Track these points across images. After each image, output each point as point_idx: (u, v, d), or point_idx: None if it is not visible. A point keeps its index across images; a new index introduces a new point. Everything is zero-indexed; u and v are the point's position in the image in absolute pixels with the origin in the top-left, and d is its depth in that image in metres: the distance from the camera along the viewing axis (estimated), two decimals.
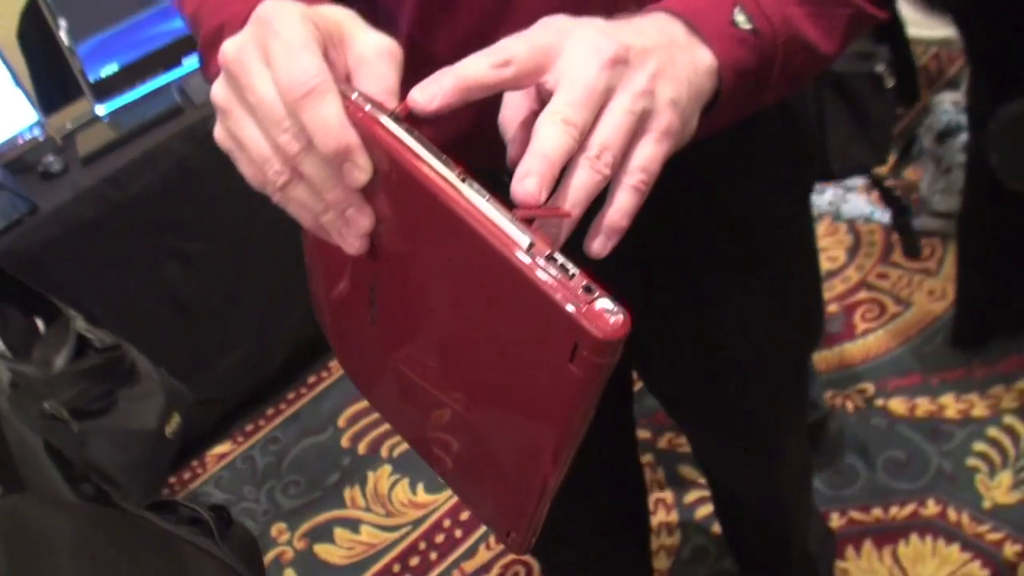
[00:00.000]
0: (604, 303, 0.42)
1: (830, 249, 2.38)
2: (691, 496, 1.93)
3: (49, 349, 1.51)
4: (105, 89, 2.22)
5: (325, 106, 0.46)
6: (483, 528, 2.01)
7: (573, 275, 0.43)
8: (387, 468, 2.23)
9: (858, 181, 2.52)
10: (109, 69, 2.20)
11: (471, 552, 1.98)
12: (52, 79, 2.44)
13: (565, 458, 0.51)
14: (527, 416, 0.50)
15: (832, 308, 2.22)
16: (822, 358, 2.11)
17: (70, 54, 2.14)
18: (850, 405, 2.00)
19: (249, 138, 0.50)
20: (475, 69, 0.48)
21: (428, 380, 0.58)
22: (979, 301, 1.93)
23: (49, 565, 0.74)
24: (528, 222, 0.45)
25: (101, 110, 2.22)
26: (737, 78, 0.56)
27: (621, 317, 0.42)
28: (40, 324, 1.59)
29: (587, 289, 0.42)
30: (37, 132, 2.17)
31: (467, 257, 0.46)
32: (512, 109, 0.53)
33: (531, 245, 0.43)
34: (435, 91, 0.48)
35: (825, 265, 2.33)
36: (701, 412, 1.10)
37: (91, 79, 2.18)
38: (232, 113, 0.51)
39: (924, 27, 2.29)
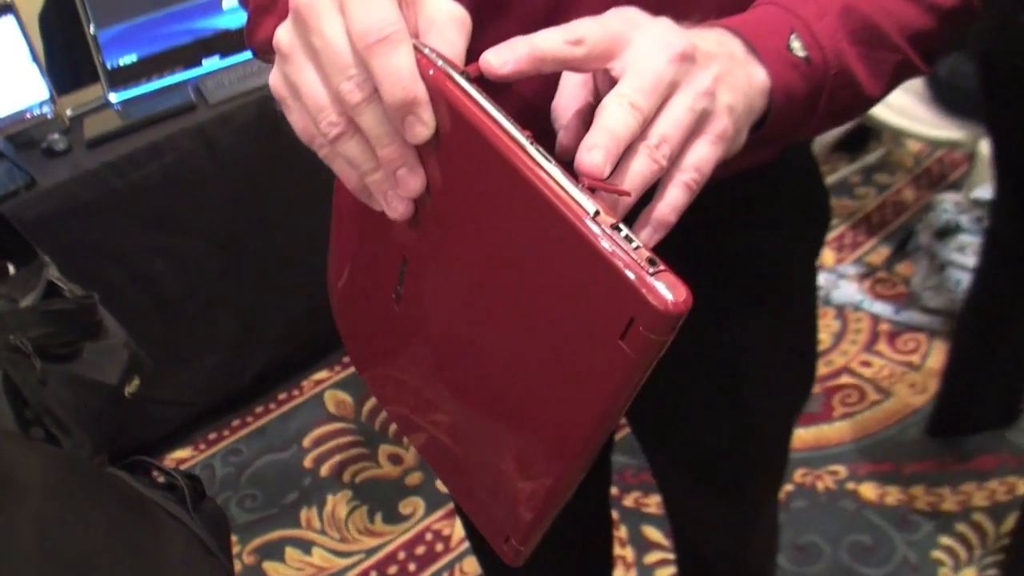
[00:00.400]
0: (668, 277, 0.41)
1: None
2: (652, 557, 1.90)
3: (17, 289, 1.47)
4: (121, 78, 2.22)
5: (398, 55, 0.45)
6: (438, 564, 1.97)
7: (637, 247, 0.41)
8: (347, 493, 2.19)
9: (851, 269, 2.54)
10: (128, 59, 2.20)
11: None
12: (67, 64, 2.45)
13: (591, 452, 0.48)
14: (562, 401, 0.47)
15: (814, 389, 2.21)
16: (798, 436, 2.10)
17: (91, 39, 2.14)
18: (820, 485, 1.98)
19: (307, 84, 0.49)
20: (549, 41, 0.48)
21: (452, 362, 0.56)
22: (962, 396, 1.94)
23: (14, 501, 0.71)
24: (591, 192, 0.44)
25: (114, 97, 2.22)
26: (787, 101, 0.57)
27: (684, 293, 0.40)
28: (11, 267, 1.55)
29: (651, 262, 0.41)
30: (46, 110, 2.16)
31: (526, 223, 0.45)
32: (567, 97, 0.53)
33: (597, 213, 0.42)
34: (508, 56, 0.48)
35: None
36: (691, 459, 1.09)
37: (108, 66, 2.18)
38: (293, 58, 0.49)
39: (932, 127, 2.34)
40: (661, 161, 0.48)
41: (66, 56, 2.42)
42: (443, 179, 0.49)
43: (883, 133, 2.96)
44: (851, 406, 2.15)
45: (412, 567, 1.98)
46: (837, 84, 0.59)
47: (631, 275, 0.40)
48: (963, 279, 2.12)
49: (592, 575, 1.32)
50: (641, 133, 0.48)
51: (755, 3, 0.61)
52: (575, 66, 0.50)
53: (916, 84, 2.38)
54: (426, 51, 0.47)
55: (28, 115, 2.14)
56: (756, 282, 0.90)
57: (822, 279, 2.52)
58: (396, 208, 0.51)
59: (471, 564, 1.95)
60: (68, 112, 2.25)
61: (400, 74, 0.45)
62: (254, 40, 0.77)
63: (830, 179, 2.90)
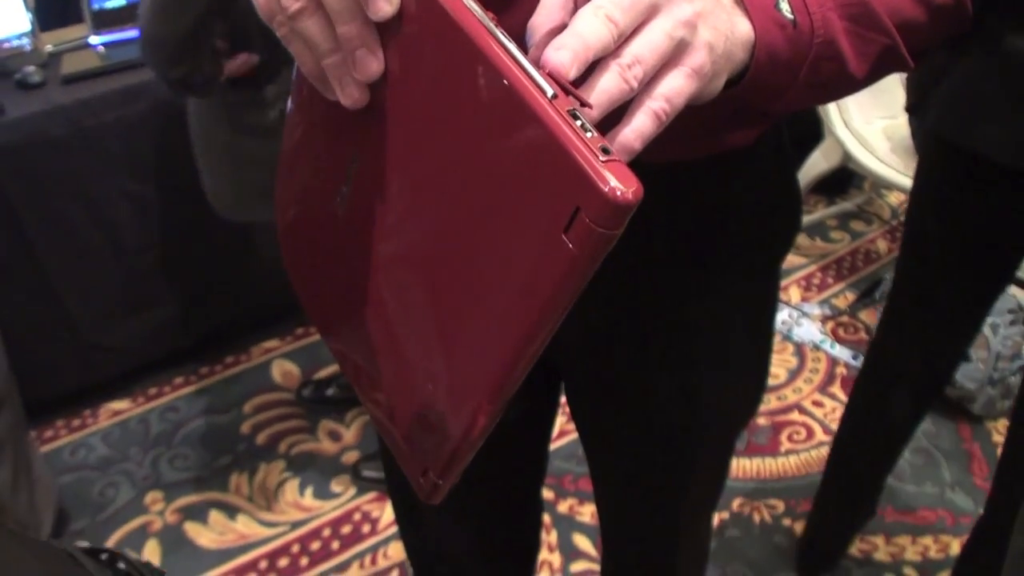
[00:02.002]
0: (620, 167, 0.39)
1: (773, 366, 2.37)
2: (579, 566, 1.88)
3: None
4: (105, 20, 2.19)
5: None
6: (363, 545, 1.94)
7: (592, 135, 0.40)
8: (280, 464, 2.16)
9: (815, 309, 2.54)
10: (115, 2, 2.17)
11: (344, 566, 1.91)
12: (52, 4, 2.40)
13: (522, 368, 0.46)
14: (499, 307, 0.45)
15: (762, 420, 2.21)
16: (741, 465, 2.09)
17: None
18: (757, 517, 1.97)
19: None
20: None
21: (391, 270, 0.54)
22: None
23: None
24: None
25: (96, 39, 2.19)
26: (768, 60, 0.55)
27: (635, 184, 0.39)
28: None
29: (604, 150, 0.39)
30: (25, 42, 2.12)
31: (481, 108, 0.44)
32: (544, 16, 0.51)
33: (555, 96, 0.41)
34: None
35: None
36: (633, 455, 1.06)
37: (94, 7, 2.15)
38: None
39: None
40: (632, 82, 0.46)
41: None
42: (400, 65, 0.48)
43: (865, 181, 2.97)
44: (798, 443, 2.14)
45: (336, 545, 1.95)
46: (821, 54, 0.58)
47: (581, 159, 0.39)
48: None
49: (516, 565, 1.29)
50: (615, 51, 0.46)
51: None
52: None
53: (903, 134, 2.38)
54: None
55: (6, 45, 2.10)
56: (723, 271, 0.88)
57: (785, 314, 2.52)
58: (351, 94, 0.50)
59: (396, 549, 1.92)
60: (48, 48, 2.20)
61: None
62: None
63: (807, 219, 2.91)
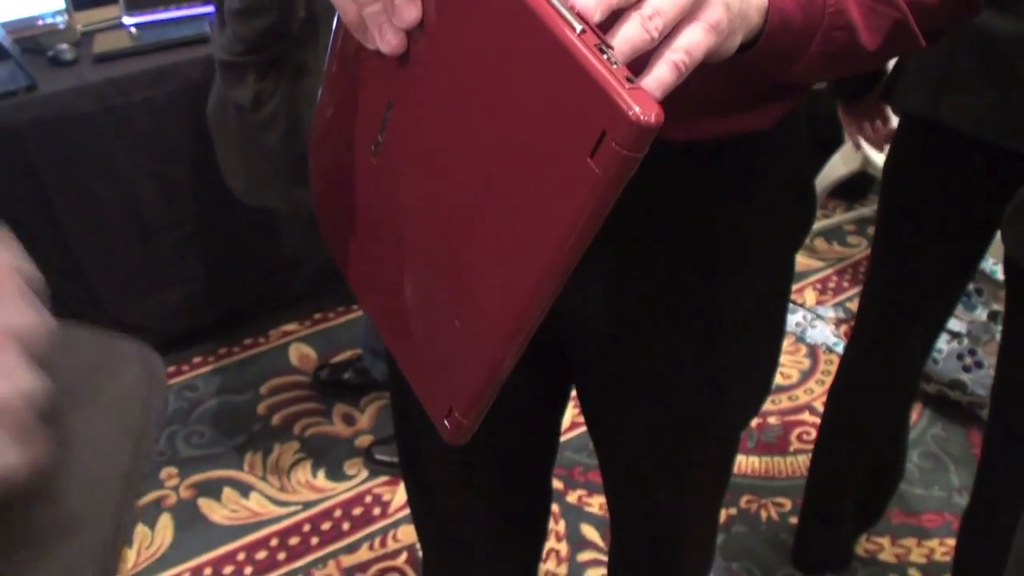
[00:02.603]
0: (643, 94, 0.42)
1: (785, 367, 2.39)
2: (585, 555, 1.90)
3: None
4: (138, 1, 2.22)
5: None
6: (373, 527, 1.97)
7: (617, 65, 0.43)
8: (295, 445, 2.18)
9: (830, 312, 2.55)
10: None
11: (353, 547, 1.93)
12: None
13: (545, 298, 0.49)
14: (526, 232, 0.48)
15: (772, 420, 2.22)
16: (750, 463, 2.10)
17: None
18: (764, 514, 1.98)
19: None
20: None
21: (423, 210, 0.57)
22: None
23: None
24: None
25: (129, 19, 2.22)
26: (781, 26, 0.57)
27: (657, 109, 0.41)
28: None
29: (629, 79, 0.42)
30: (59, 19, 2.16)
31: (514, 45, 0.46)
32: None
33: (584, 31, 0.44)
34: None
35: (777, 379, 2.33)
36: (645, 429, 1.08)
37: None
38: None
39: None
40: (653, 32, 0.48)
41: None
42: (435, 11, 0.51)
43: None
44: (807, 443, 2.15)
45: (346, 526, 1.98)
46: (833, 23, 0.60)
47: (607, 86, 0.41)
48: (942, 347, 2.12)
49: (523, 547, 1.31)
50: (637, 3, 0.48)
51: None
52: None
53: None
54: None
55: (40, 22, 2.14)
56: (741, 259, 0.90)
57: (800, 316, 2.53)
58: (390, 41, 0.52)
59: (406, 532, 1.94)
60: (80, 27, 2.24)
61: None
62: None
63: (825, 223, 2.92)
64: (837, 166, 2.63)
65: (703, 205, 0.84)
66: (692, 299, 0.90)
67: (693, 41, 0.50)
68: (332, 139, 0.68)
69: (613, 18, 0.48)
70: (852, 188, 2.89)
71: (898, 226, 1.43)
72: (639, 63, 0.48)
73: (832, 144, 2.67)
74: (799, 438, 2.17)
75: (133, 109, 2.06)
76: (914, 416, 2.11)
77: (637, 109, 0.41)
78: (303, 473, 2.11)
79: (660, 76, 0.49)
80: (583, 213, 0.45)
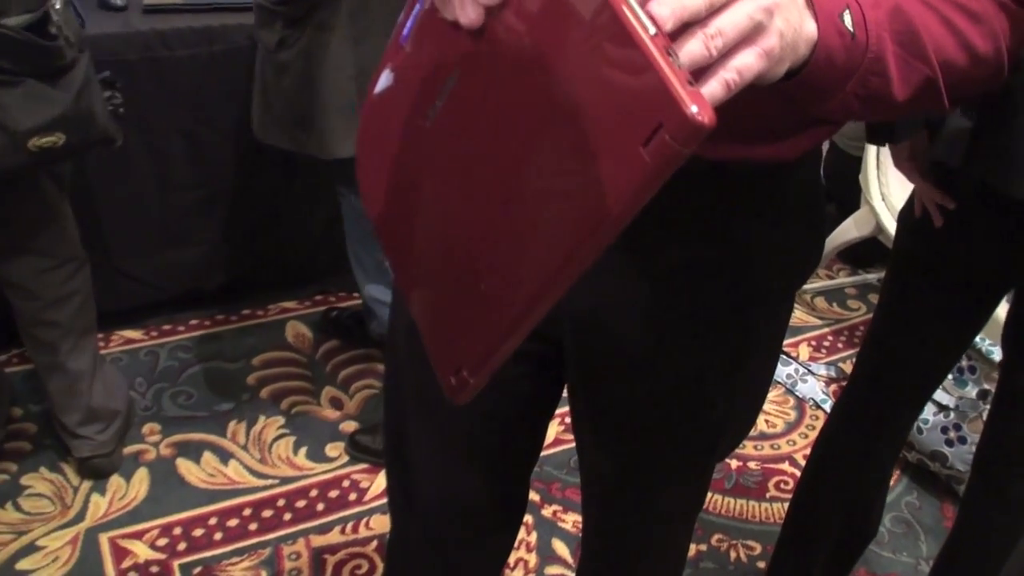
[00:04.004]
0: (701, 97, 0.45)
1: (772, 416, 2.41)
2: (553, 570, 1.91)
3: (13, 6, 1.46)
4: None
5: None
6: (347, 512, 1.97)
7: (682, 67, 0.46)
8: (280, 420, 2.19)
9: (822, 369, 2.58)
10: None
11: (325, 528, 1.93)
12: None
13: (575, 270, 0.52)
14: (570, 205, 0.51)
15: (753, 465, 2.24)
16: (726, 503, 2.12)
17: None
18: (733, 554, 2.00)
19: None
20: None
21: (470, 176, 0.60)
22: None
23: None
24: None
25: None
26: (826, 61, 0.62)
27: (711, 113, 0.45)
28: None
29: (690, 82, 0.46)
30: None
31: (588, 35, 0.49)
32: None
33: (657, 34, 0.47)
34: None
35: (761, 425, 2.36)
36: (627, 464, 1.09)
37: None
38: None
39: None
40: (712, 50, 0.51)
41: None
42: None
43: None
44: (783, 492, 2.17)
45: (321, 507, 1.98)
46: (871, 68, 0.65)
47: (672, 84, 0.45)
48: (929, 418, 2.15)
49: (495, 552, 1.31)
50: (703, 21, 0.51)
51: None
52: None
53: None
54: None
55: None
56: (748, 282, 0.92)
57: (792, 369, 2.55)
58: (469, 14, 0.55)
59: (379, 522, 1.94)
60: None
61: None
62: None
63: (828, 283, 2.95)
64: (849, 229, 2.67)
65: (723, 224, 0.87)
66: (718, 321, 0.93)
67: (746, 63, 0.54)
68: (390, 93, 0.71)
69: (677, 29, 0.51)
70: (860, 254, 2.93)
71: (908, 280, 1.45)
72: (694, 75, 0.52)
73: (848, 207, 2.71)
74: (777, 486, 2.19)
75: (176, 64, 2.08)
76: (891, 481, 2.13)
77: (695, 108, 0.44)
78: (284, 449, 2.11)
79: (711, 90, 0.53)
80: (627, 194, 0.48)
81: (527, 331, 0.57)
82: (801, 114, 0.69)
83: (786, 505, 2.10)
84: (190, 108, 2.15)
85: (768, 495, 2.16)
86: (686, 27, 0.51)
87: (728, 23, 0.52)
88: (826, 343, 2.73)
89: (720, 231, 0.87)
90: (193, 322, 2.45)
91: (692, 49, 0.51)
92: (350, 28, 1.68)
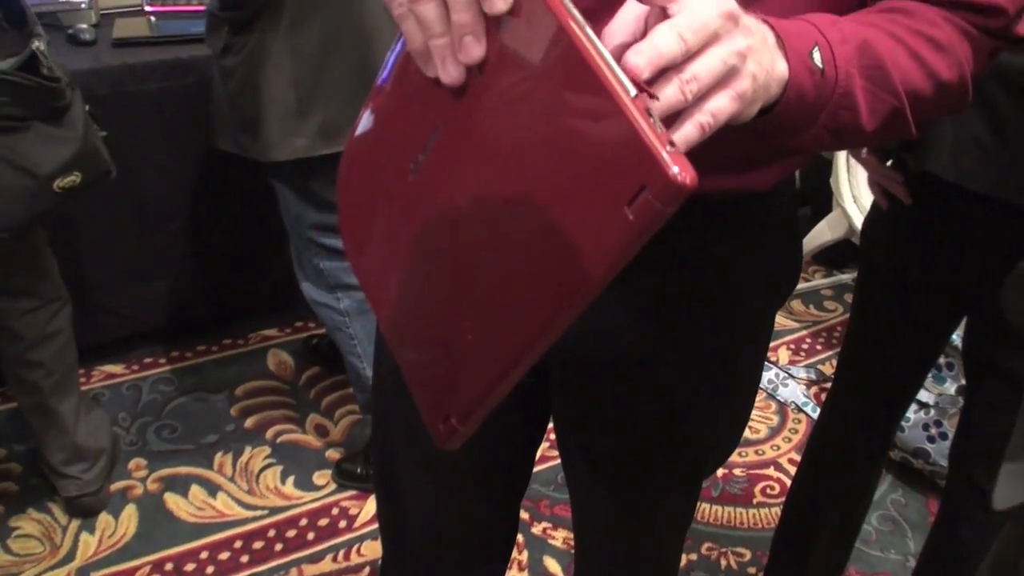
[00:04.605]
0: (682, 158, 0.46)
1: (755, 422, 2.43)
2: None
3: None
4: None
5: None
6: (337, 540, 1.97)
7: (663, 129, 0.47)
8: (266, 450, 2.18)
9: (802, 372, 2.60)
10: None
11: (316, 558, 1.93)
12: None
13: (560, 325, 0.53)
14: (554, 264, 0.52)
15: (738, 472, 2.26)
16: (713, 511, 2.14)
17: None
18: (723, 562, 2.01)
19: None
20: None
21: (455, 231, 0.60)
22: None
23: None
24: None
25: (151, 7, 2.24)
26: (796, 99, 0.64)
27: (693, 173, 0.46)
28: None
29: (672, 143, 0.47)
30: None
31: (569, 96, 0.50)
32: (620, 26, 0.58)
33: (637, 95, 0.48)
34: None
35: (746, 433, 2.37)
36: (615, 481, 1.10)
37: None
38: None
39: None
40: (687, 95, 0.53)
41: None
42: (497, 51, 0.54)
43: None
44: (770, 497, 2.19)
45: (311, 536, 1.97)
46: (840, 103, 0.67)
47: (655, 149, 0.46)
48: (910, 416, 2.18)
49: (488, 569, 1.32)
50: (678, 66, 0.53)
51: (792, 17, 0.68)
52: None
53: None
54: None
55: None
56: (729, 307, 0.94)
57: (772, 374, 2.58)
58: (451, 72, 0.56)
59: (370, 548, 1.94)
60: (106, 8, 2.25)
61: None
62: None
63: (804, 286, 2.98)
64: (823, 232, 2.70)
65: (701, 251, 0.89)
66: (700, 345, 0.95)
67: (720, 107, 0.55)
68: (371, 147, 0.72)
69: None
70: (834, 255, 2.97)
71: (878, 289, 1.48)
72: (668, 116, 0.53)
73: (821, 210, 2.74)
74: (763, 492, 2.21)
75: (145, 98, 2.07)
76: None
77: (676, 170, 0.45)
78: (272, 479, 2.11)
79: (686, 134, 0.54)
80: (613, 253, 0.49)
81: (515, 381, 0.58)
82: (773, 147, 0.71)
83: (774, 510, 2.14)
84: (163, 141, 2.15)
85: (755, 501, 2.18)
86: (663, 71, 0.52)
87: (703, 68, 0.54)
88: (805, 346, 2.76)
89: (698, 258, 0.89)
90: (174, 354, 2.44)
91: (668, 95, 0.52)
92: (289, 39, 1.72)
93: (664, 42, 0.52)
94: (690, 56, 0.54)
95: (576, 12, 0.50)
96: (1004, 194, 1.23)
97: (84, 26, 2.11)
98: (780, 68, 0.62)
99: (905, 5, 0.75)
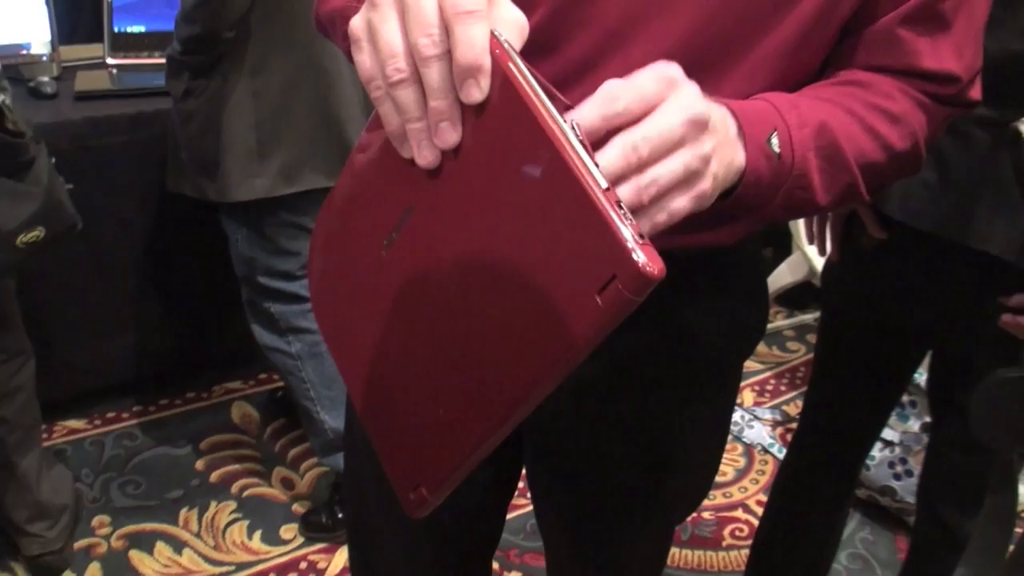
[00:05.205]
0: (652, 250, 0.48)
1: (722, 464, 2.42)
2: None
3: None
4: (123, 44, 2.24)
5: (478, 28, 0.52)
6: None
7: (632, 222, 0.49)
8: (232, 504, 2.15)
9: (767, 413, 2.62)
10: (136, 28, 2.23)
11: None
12: (70, 15, 2.45)
13: (531, 403, 0.54)
14: (525, 347, 0.53)
15: (707, 515, 2.26)
16: (683, 555, 2.13)
17: (107, 2, 2.17)
18: None
19: (387, 32, 0.54)
20: (588, 118, 0.55)
21: (427, 308, 0.61)
22: None
23: None
24: None
25: (112, 61, 2.24)
26: (753, 183, 0.66)
27: (662, 265, 0.48)
28: None
29: (641, 236, 0.48)
30: (43, 51, 2.16)
31: (542, 187, 0.51)
32: (587, 116, 0.59)
33: (608, 189, 0.50)
34: None
35: None
36: (586, 516, 1.11)
37: (116, 29, 2.21)
38: (381, 8, 0.55)
39: None
40: (644, 198, 0.55)
41: (73, 7, 2.43)
42: (472, 136, 0.55)
43: None
44: (740, 539, 2.19)
45: None
46: (795, 184, 0.70)
47: (624, 242, 0.48)
48: (875, 454, 2.20)
49: None
50: (639, 168, 0.55)
51: (757, 96, 0.71)
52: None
53: None
54: (496, 34, 0.53)
55: (23, 51, 2.14)
56: (698, 360, 0.95)
57: (737, 416, 2.59)
58: (426, 156, 0.56)
59: None
60: (68, 61, 2.25)
61: (475, 43, 0.51)
62: (323, 9, 0.84)
63: (767, 327, 3.01)
64: (784, 275, 2.74)
65: (668, 307, 0.89)
66: (671, 396, 0.96)
67: (678, 206, 0.57)
68: (348, 203, 0.72)
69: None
70: (796, 297, 3.01)
71: (840, 331, 1.51)
72: None
73: (782, 252, 2.78)
74: (732, 534, 2.21)
75: (107, 151, 2.06)
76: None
77: (645, 262, 0.47)
78: (238, 534, 2.08)
79: (643, 229, 0.54)
80: (583, 338, 0.50)
81: (486, 454, 0.58)
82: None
83: (743, 552, 2.14)
84: (125, 194, 2.14)
85: (724, 543, 2.18)
86: (625, 167, 0.54)
87: (664, 174, 0.55)
88: (769, 387, 2.78)
89: (666, 314, 0.90)
90: (137, 408, 2.41)
91: (623, 197, 0.54)
92: (251, 82, 1.74)
93: (609, 161, 0.54)
94: (655, 158, 0.55)
95: (550, 104, 0.51)
96: (947, 233, 1.27)
97: (46, 79, 2.11)
98: (738, 160, 0.64)
99: (862, 77, 0.77)
